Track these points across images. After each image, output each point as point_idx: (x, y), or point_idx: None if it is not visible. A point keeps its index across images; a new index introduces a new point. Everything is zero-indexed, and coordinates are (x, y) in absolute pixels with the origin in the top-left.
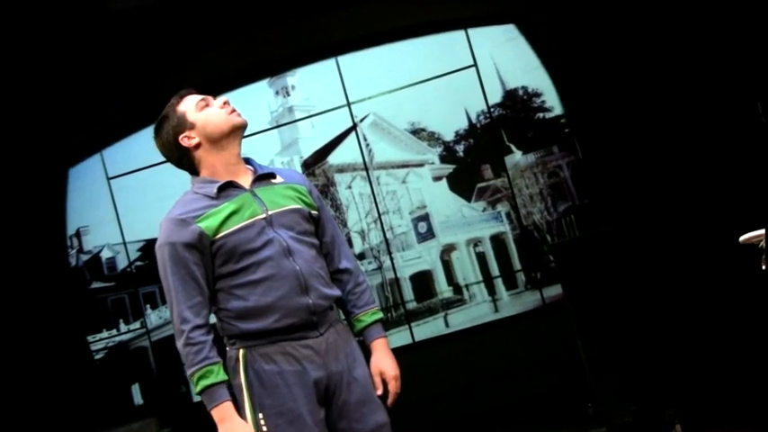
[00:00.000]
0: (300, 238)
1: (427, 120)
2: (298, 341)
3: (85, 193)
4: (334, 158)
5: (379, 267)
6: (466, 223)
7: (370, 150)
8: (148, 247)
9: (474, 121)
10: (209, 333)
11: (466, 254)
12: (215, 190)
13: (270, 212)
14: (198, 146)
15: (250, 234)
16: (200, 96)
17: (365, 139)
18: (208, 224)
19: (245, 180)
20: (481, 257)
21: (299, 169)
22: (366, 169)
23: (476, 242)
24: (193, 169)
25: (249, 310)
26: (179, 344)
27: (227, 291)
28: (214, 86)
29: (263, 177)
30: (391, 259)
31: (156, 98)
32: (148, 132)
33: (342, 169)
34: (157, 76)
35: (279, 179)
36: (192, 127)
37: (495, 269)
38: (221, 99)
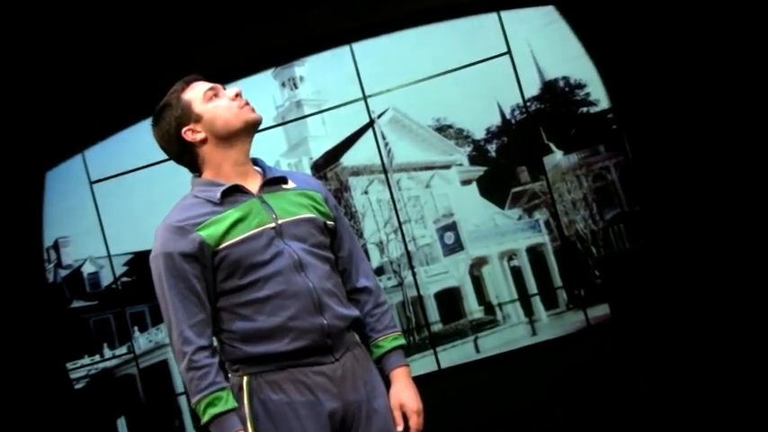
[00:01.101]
0: (314, 251)
1: (454, 115)
2: (310, 367)
3: (65, 200)
4: (349, 160)
5: (400, 284)
6: (499, 233)
7: (389, 150)
8: (137, 260)
9: (508, 116)
10: (215, 355)
11: (499, 268)
12: (219, 194)
13: (280, 221)
14: (203, 141)
15: (257, 245)
16: (209, 85)
17: (383, 138)
18: (210, 233)
19: (253, 184)
20: (516, 272)
21: (308, 172)
22: (385, 172)
23: (510, 255)
24: (195, 167)
25: (255, 332)
26: (181, 368)
27: (230, 310)
28: (210, 78)
29: (274, 182)
30: (413, 274)
31: (145, 91)
32: (138, 129)
33: (357, 172)
34: (147, 67)
35: (291, 184)
36: (197, 120)
37: (532, 286)
38: (233, 89)
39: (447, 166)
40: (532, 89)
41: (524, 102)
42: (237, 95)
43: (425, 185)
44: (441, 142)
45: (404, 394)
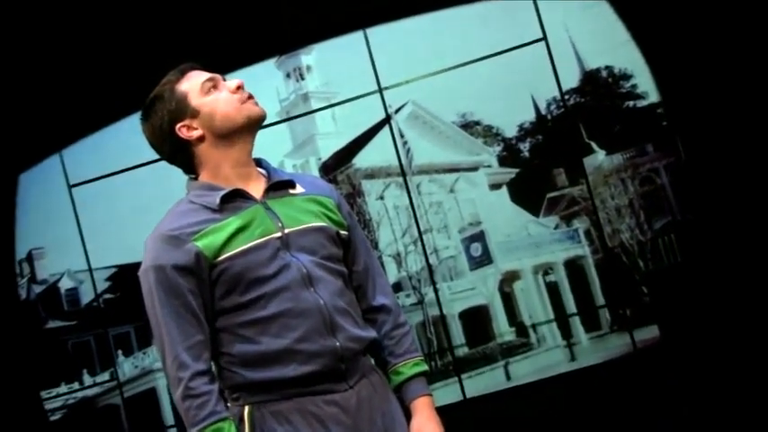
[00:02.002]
0: (325, 264)
1: (482, 110)
2: (321, 396)
3: (40, 206)
4: (362, 160)
5: (420, 302)
6: (533, 244)
7: (408, 150)
8: (121, 275)
9: (543, 111)
10: (215, 381)
11: (533, 284)
12: (217, 200)
13: (286, 231)
14: (200, 139)
15: (261, 257)
16: (208, 75)
17: (402, 136)
18: (207, 243)
19: (257, 188)
20: (553, 289)
21: (316, 174)
22: (403, 174)
23: (546, 269)
24: (190, 168)
25: (258, 356)
26: (176, 396)
27: (230, 330)
28: (205, 68)
29: (280, 186)
30: (435, 291)
31: (132, 82)
32: (123, 126)
33: (372, 174)
34: (134, 56)
35: (299, 189)
36: (194, 114)
37: (570, 304)
38: (234, 81)
39: (474, 168)
40: (571, 80)
41: (562, 94)
42: (239, 88)
43: (449, 190)
44: (466, 141)
45: (427, 427)
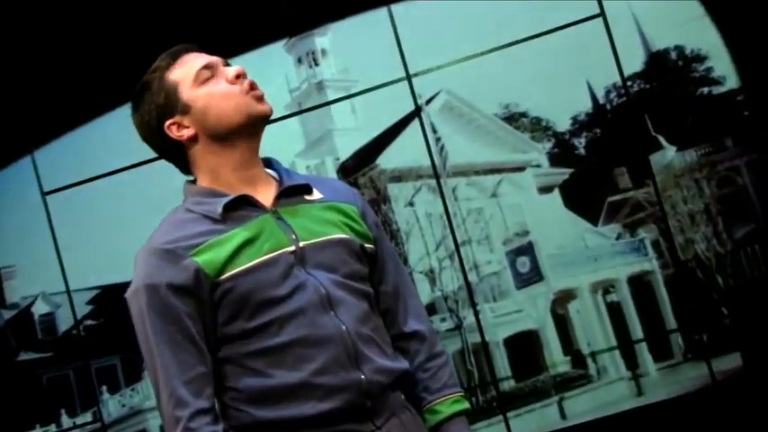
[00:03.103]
0: (347, 284)
1: (529, 100)
2: None
3: (9, 217)
4: (388, 160)
5: (458, 327)
6: (591, 258)
7: (441, 147)
8: (105, 297)
9: (602, 100)
10: (218, 421)
11: (591, 305)
12: (220, 208)
13: (301, 244)
14: (193, 139)
15: (271, 275)
16: (205, 60)
17: (434, 131)
18: (208, 258)
19: (266, 194)
20: (615, 311)
21: (335, 176)
22: (436, 177)
23: (607, 287)
24: (186, 169)
25: (269, 391)
26: None
27: (235, 361)
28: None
29: (293, 191)
30: (476, 314)
31: (115, 72)
32: (105, 123)
33: (399, 176)
34: (118, 40)
35: (316, 194)
36: (185, 110)
37: (636, 329)
38: (233, 69)
39: (520, 168)
40: (634, 63)
41: (623, 80)
42: (239, 76)
43: (491, 194)
44: (511, 136)
45: None
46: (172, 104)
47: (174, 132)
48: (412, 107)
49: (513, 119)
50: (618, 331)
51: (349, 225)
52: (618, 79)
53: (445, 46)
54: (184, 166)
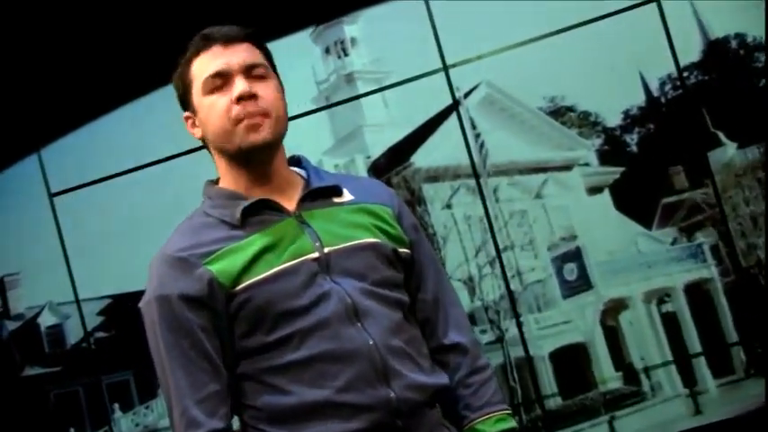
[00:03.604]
0: (376, 292)
1: (576, 93)
2: None
3: (14, 220)
4: (423, 158)
5: (500, 340)
6: (644, 264)
7: (481, 145)
8: (117, 307)
9: (656, 93)
10: None
11: (645, 316)
12: (238, 213)
13: (326, 250)
14: (204, 140)
15: (292, 284)
16: (221, 63)
17: (473, 127)
18: (223, 267)
19: (290, 196)
20: (671, 322)
21: (364, 176)
22: (475, 176)
23: (661, 296)
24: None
25: (290, 410)
26: None
27: (255, 378)
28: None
29: (320, 193)
30: (519, 326)
31: (128, 63)
32: (115, 120)
33: (435, 176)
34: (132, 31)
35: (347, 196)
36: (195, 111)
37: (694, 342)
38: (239, 88)
39: (567, 167)
40: (691, 53)
41: (679, 71)
42: (240, 99)
43: (535, 195)
44: (557, 132)
45: None
46: (186, 100)
47: (189, 127)
48: (449, 101)
49: (559, 113)
50: (674, 344)
51: (381, 228)
52: (673, 70)
53: (486, 34)
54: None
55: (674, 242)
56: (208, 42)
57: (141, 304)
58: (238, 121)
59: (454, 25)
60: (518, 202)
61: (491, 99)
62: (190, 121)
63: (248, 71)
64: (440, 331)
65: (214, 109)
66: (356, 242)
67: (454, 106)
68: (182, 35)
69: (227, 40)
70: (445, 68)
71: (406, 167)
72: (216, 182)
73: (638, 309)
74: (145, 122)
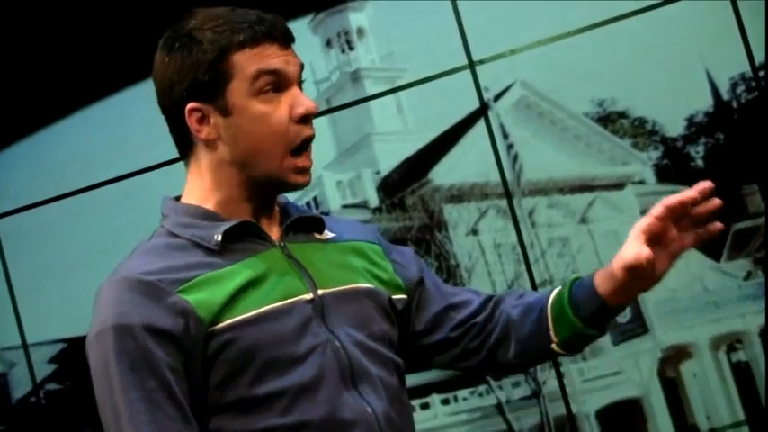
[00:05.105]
0: (375, 350)
1: (630, 95)
2: None
3: None
4: (444, 174)
5: (536, 395)
6: (711, 304)
7: (515, 157)
8: (72, 353)
9: (726, 96)
10: None
11: (712, 366)
12: (218, 236)
13: (320, 292)
14: (211, 144)
15: (284, 328)
16: (279, 60)
17: (506, 137)
18: (202, 298)
19: (271, 224)
20: (743, 373)
21: (375, 195)
22: (507, 196)
23: (732, 342)
24: (185, 158)
25: None
26: None
27: None
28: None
29: (302, 225)
30: (559, 377)
31: (87, 61)
32: (71, 127)
33: (459, 196)
34: (98, 28)
35: (327, 233)
36: (222, 110)
37: None
38: (306, 104)
39: (618, 186)
40: None
41: (754, 70)
42: (307, 116)
43: (580, 219)
44: (606, 143)
45: (628, 248)
46: (210, 92)
47: (194, 123)
48: (476, 104)
49: (609, 120)
50: (746, 400)
51: (372, 272)
52: (747, 69)
53: (521, 24)
54: (183, 155)
55: (747, 277)
56: (257, 37)
57: (90, 336)
58: (292, 146)
59: (483, 14)
60: (559, 228)
61: (527, 102)
62: (198, 115)
63: (299, 82)
64: (456, 299)
65: (265, 123)
66: (351, 286)
67: (482, 111)
68: (151, 33)
69: (287, 39)
70: (471, 65)
71: (423, 185)
72: (178, 198)
73: (703, 357)
74: (106, 130)
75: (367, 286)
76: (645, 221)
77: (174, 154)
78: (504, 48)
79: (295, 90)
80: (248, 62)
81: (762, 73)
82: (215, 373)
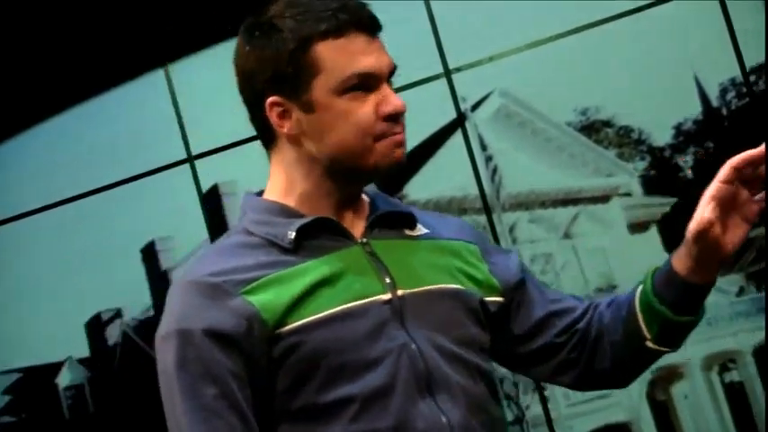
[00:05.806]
0: (457, 355)
1: (614, 103)
2: None
3: None
4: (419, 188)
5: (519, 421)
6: (703, 322)
7: (494, 169)
8: (29, 383)
9: (715, 102)
10: None
11: (704, 388)
12: (292, 233)
13: (400, 292)
14: (294, 139)
15: (356, 331)
16: (371, 61)
17: (484, 148)
18: (267, 300)
19: (355, 221)
20: (737, 395)
21: None
22: (486, 210)
23: (725, 362)
24: (268, 150)
25: None
26: None
27: None
28: (183, 42)
29: (390, 219)
30: (543, 401)
31: (69, 59)
32: (59, 125)
33: (436, 211)
34: (74, 22)
35: (420, 229)
36: (305, 105)
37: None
38: (394, 102)
39: (604, 198)
40: (759, 52)
41: (745, 75)
42: (397, 116)
43: (563, 234)
44: (590, 153)
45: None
46: (292, 85)
47: (274, 117)
48: (453, 115)
49: (593, 129)
50: (740, 423)
51: (465, 272)
52: (738, 73)
53: (499, 30)
54: (267, 147)
55: (740, 292)
56: (342, 26)
57: (157, 337)
58: (380, 137)
59: (460, 19)
60: (542, 244)
61: (506, 111)
62: (279, 109)
63: (388, 76)
64: (561, 305)
65: (351, 119)
66: (436, 287)
67: (459, 122)
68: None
69: (374, 28)
70: (447, 73)
71: (398, 199)
72: (260, 194)
73: (695, 378)
74: (72, 143)
75: (454, 287)
76: (712, 187)
77: (130, 173)
78: (482, 55)
79: (385, 89)
80: (334, 56)
81: (753, 78)
82: (282, 379)
